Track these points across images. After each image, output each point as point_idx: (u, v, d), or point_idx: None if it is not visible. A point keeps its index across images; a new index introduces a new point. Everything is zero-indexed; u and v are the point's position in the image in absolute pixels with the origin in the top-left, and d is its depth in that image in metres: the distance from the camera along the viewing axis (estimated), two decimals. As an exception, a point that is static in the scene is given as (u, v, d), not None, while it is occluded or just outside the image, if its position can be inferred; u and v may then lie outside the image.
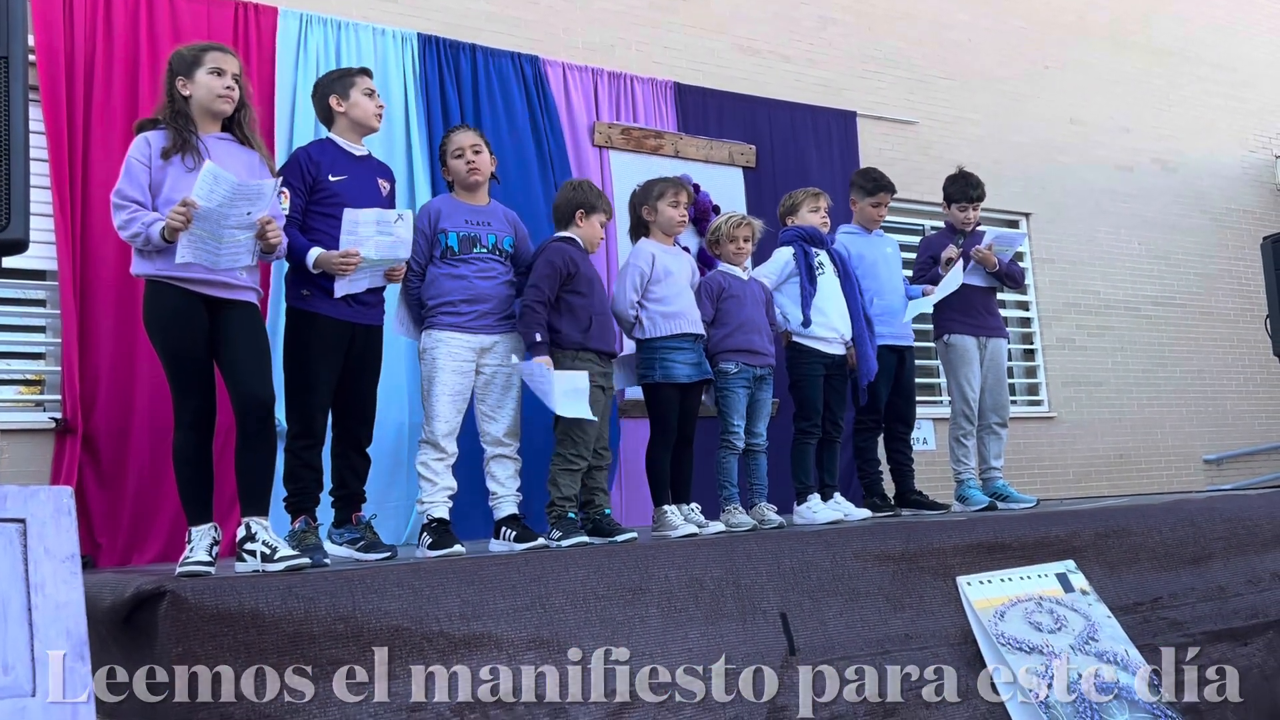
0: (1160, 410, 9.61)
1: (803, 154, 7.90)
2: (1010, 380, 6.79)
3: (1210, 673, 3.80)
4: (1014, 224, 9.16)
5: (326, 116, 3.86)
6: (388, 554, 3.73)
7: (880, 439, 5.03)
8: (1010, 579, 3.55)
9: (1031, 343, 9.03)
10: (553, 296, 3.82)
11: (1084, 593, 3.63)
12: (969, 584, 3.46)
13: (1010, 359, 7.87)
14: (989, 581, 3.50)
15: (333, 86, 3.82)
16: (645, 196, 4.21)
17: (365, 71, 3.88)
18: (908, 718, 3.00)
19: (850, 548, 3.27)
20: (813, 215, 4.60)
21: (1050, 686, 3.24)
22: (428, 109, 6.43)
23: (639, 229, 4.26)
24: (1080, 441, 9.04)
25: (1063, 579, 3.64)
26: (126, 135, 5.59)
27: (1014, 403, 8.18)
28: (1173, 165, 10.20)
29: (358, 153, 3.83)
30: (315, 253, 3.56)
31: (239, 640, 2.35)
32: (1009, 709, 3.20)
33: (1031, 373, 9.05)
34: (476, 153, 3.86)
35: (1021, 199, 9.09)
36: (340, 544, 3.76)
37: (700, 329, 4.13)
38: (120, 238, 3.36)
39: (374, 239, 3.58)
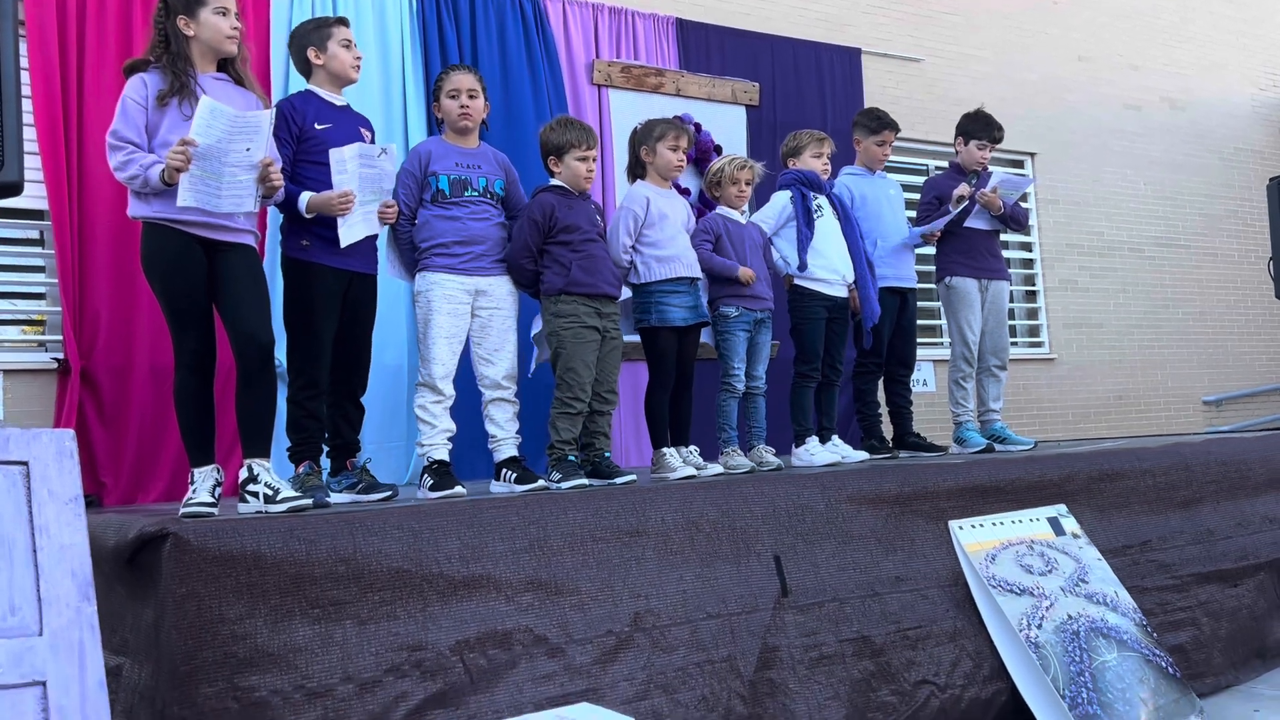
0: (1161, 352, 9.62)
1: (806, 92, 7.81)
2: (1011, 322, 6.80)
3: (1198, 613, 3.87)
4: (1019, 164, 9.09)
5: (304, 68, 3.82)
6: (388, 493, 3.78)
7: (880, 381, 5.05)
8: (1001, 523, 3.59)
9: (1033, 284, 9.01)
10: (536, 249, 3.82)
11: (1075, 536, 3.67)
12: (960, 528, 3.50)
13: (1011, 301, 7.87)
14: (980, 525, 3.54)
15: (309, 38, 3.77)
16: (644, 137, 4.17)
17: (342, 21, 3.83)
18: (895, 659, 3.06)
19: (845, 491, 3.31)
20: (815, 160, 4.57)
21: (1040, 627, 3.30)
22: (424, 44, 6.36)
23: (636, 169, 4.23)
24: (1080, 383, 9.07)
25: (1054, 523, 3.69)
26: (120, 70, 5.55)
27: (1014, 344, 8.21)
28: (1181, 104, 10.08)
29: (338, 103, 3.81)
30: (306, 196, 3.56)
31: (241, 581, 2.39)
32: (999, 649, 3.27)
33: (1033, 314, 9.05)
34: (472, 97, 3.83)
35: (1027, 138, 9.00)
36: (340, 490, 3.80)
37: (696, 272, 4.13)
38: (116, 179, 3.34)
39: (360, 173, 3.58)
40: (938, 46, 8.63)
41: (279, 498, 3.20)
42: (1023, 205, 5.47)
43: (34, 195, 5.27)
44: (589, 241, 3.86)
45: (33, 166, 5.20)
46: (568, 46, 6.91)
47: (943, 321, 5.71)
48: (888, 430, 5.17)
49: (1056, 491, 3.76)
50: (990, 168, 5.50)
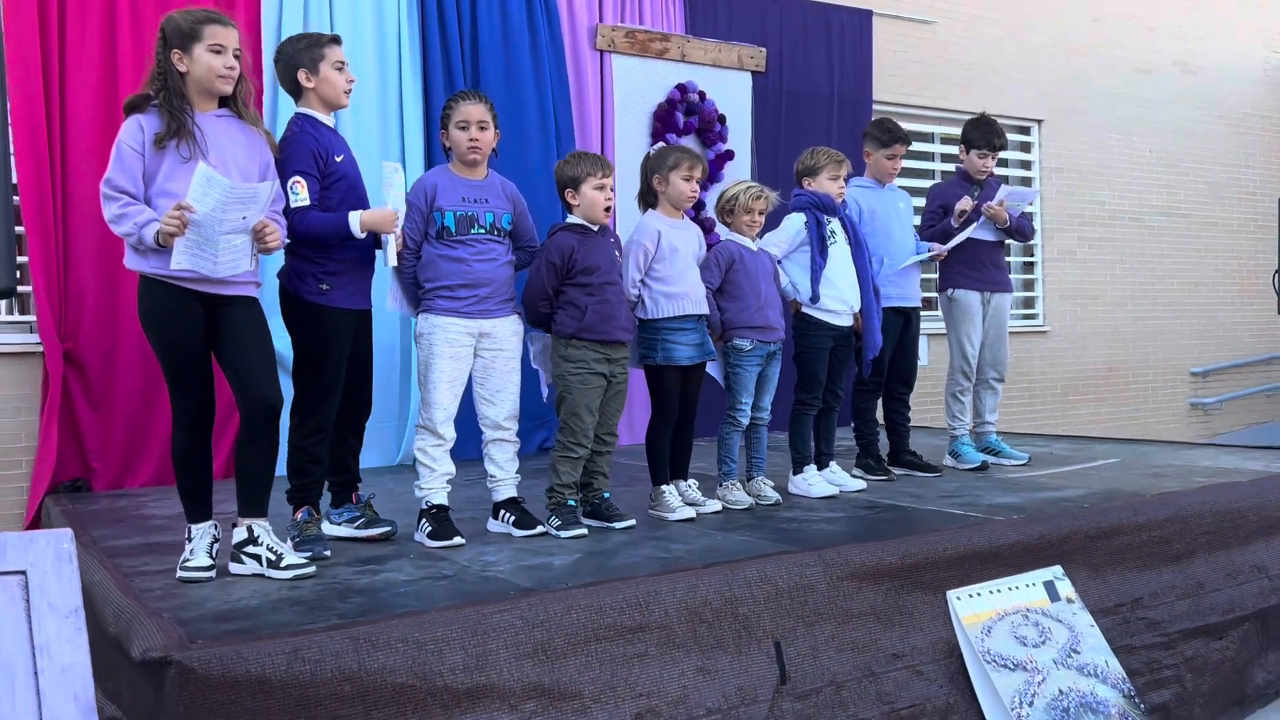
0: (1153, 323, 9.62)
1: (814, 57, 7.59)
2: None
3: (1183, 670, 3.93)
4: (1025, 130, 8.91)
5: (293, 89, 3.63)
6: (387, 529, 3.77)
7: (879, 399, 5.02)
8: (999, 590, 3.60)
9: (1031, 255, 8.93)
10: (553, 291, 3.75)
11: (1069, 601, 3.70)
12: (958, 599, 3.51)
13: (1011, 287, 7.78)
14: (977, 595, 3.56)
15: (299, 58, 3.57)
16: (658, 165, 4.03)
17: (335, 40, 3.64)
18: (892, 750, 3.10)
19: (847, 567, 3.31)
20: (831, 184, 4.43)
21: (1031, 705, 3.34)
22: (421, 6, 6.09)
23: (648, 197, 4.10)
24: (1071, 355, 9.07)
25: (1049, 587, 3.70)
26: (106, 43, 5.32)
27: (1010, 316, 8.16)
28: (1194, 67, 9.86)
29: (332, 125, 3.66)
30: (357, 216, 3.46)
31: (246, 707, 2.38)
32: (989, 726, 3.31)
33: (1029, 285, 8.99)
34: (482, 129, 3.67)
35: (1034, 105, 8.82)
36: (339, 523, 3.79)
37: (704, 308, 4.04)
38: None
39: (390, 192, 3.54)
40: (950, 8, 8.36)
41: (283, 564, 3.17)
42: (1029, 220, 5.36)
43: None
44: (607, 284, 3.77)
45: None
46: (570, 9, 6.65)
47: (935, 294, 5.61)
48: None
49: (1054, 552, 3.78)
50: (997, 178, 5.39)
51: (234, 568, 3.23)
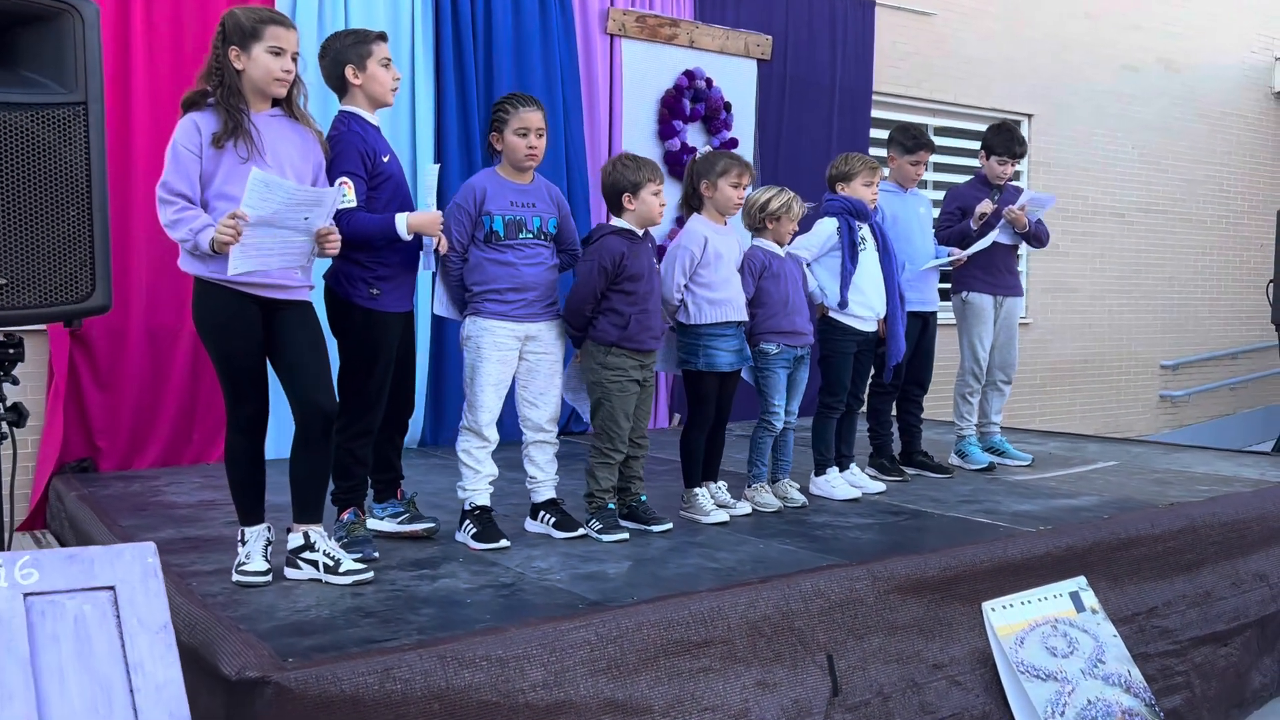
0: (1130, 316, 9.85)
1: (818, 46, 7.60)
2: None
3: (1192, 676, 4.10)
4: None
5: (339, 85, 3.58)
6: (431, 524, 3.79)
7: (894, 400, 5.10)
8: (1029, 601, 3.72)
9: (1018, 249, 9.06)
10: (600, 295, 3.76)
11: (1094, 611, 3.83)
12: (993, 610, 3.62)
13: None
14: (1010, 606, 3.67)
15: (347, 54, 3.52)
16: (706, 171, 4.04)
17: (382, 36, 3.59)
18: (939, 760, 3.21)
19: (894, 580, 3.40)
20: (865, 190, 4.48)
21: (1063, 715, 3.47)
22: (434, -16, 6.01)
23: (692, 201, 4.11)
24: (1050, 347, 9.26)
25: (1075, 598, 3.83)
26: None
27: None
28: (1177, 66, 10.04)
29: (375, 123, 3.62)
30: (404, 218, 3.44)
31: (340, 727, 2.40)
32: (1022, 734, 3.44)
33: (1014, 277, 9.13)
34: (540, 136, 3.66)
35: (1026, 99, 8.93)
36: (382, 518, 3.80)
37: (744, 315, 4.08)
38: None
39: (430, 195, 3.53)
40: (950, 1, 8.41)
41: (341, 569, 3.18)
42: (1045, 225, 5.46)
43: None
44: (649, 293, 3.80)
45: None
46: (582, -10, 6.59)
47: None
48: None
49: (1079, 563, 3.90)
50: (1019, 184, 5.48)
51: (290, 573, 3.23)
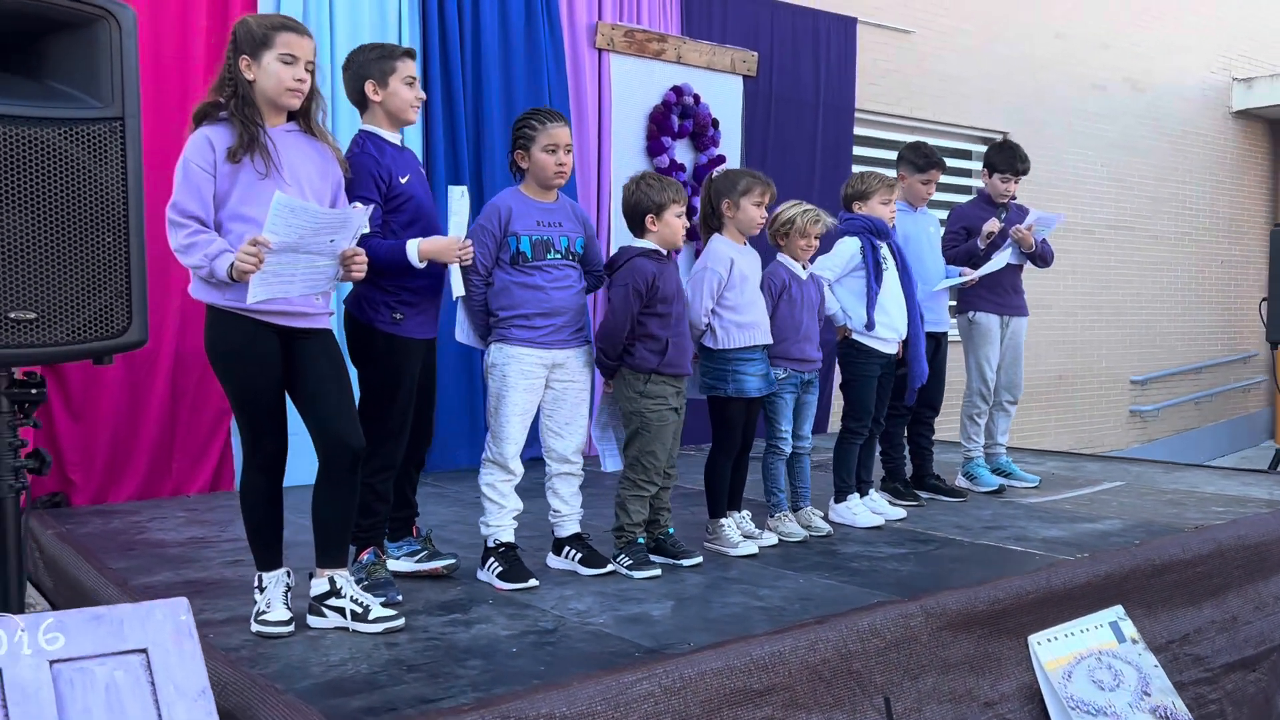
0: (1099, 333, 9.92)
1: (802, 63, 7.53)
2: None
3: (1225, 704, 4.03)
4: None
5: (359, 100, 3.40)
6: (451, 561, 3.59)
7: (906, 423, 5.00)
8: (1073, 633, 3.62)
9: (994, 265, 9.08)
10: (635, 321, 3.60)
11: (1134, 641, 3.74)
12: (1039, 644, 3.51)
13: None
14: (1055, 639, 3.56)
15: (369, 69, 3.34)
16: (727, 190, 3.90)
17: (409, 53, 3.41)
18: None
19: (945, 616, 3.27)
20: (883, 208, 4.37)
21: (1114, 751, 3.37)
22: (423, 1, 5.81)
23: (712, 221, 3.97)
24: (1027, 363, 9.23)
25: (1115, 628, 3.74)
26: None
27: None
28: (1142, 85, 10.16)
29: (398, 142, 3.43)
30: (415, 244, 3.24)
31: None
32: (1074, 771, 3.33)
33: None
34: (568, 152, 3.50)
35: (1001, 117, 8.96)
36: (398, 557, 3.58)
37: (769, 338, 3.95)
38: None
39: (454, 219, 3.32)
40: (928, 18, 8.41)
41: (371, 617, 2.97)
42: (1049, 244, 5.42)
43: None
44: (681, 315, 3.65)
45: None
46: (570, 6, 6.44)
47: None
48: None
49: (1115, 592, 3.81)
50: (1023, 203, 5.44)
51: (314, 621, 3.01)
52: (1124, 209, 10.06)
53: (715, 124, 7.02)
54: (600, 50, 6.57)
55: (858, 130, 7.87)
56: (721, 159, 7.01)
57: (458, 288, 3.38)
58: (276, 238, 2.74)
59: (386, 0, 5.72)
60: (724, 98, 7.11)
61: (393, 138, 3.42)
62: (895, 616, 3.18)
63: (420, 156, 5.81)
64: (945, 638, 3.27)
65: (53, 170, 1.96)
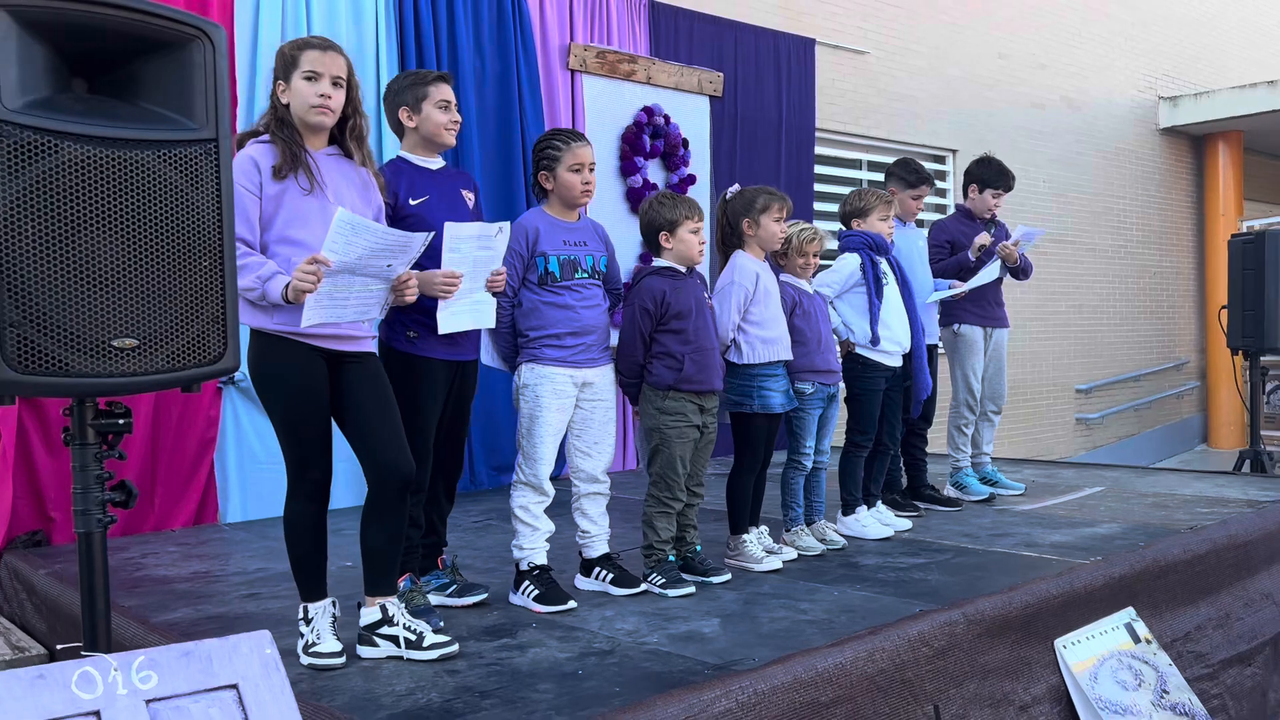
0: (1045, 344, 10.20)
1: (765, 83, 7.65)
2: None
3: (1226, 699, 4.17)
4: (940, 159, 9.28)
5: (397, 128, 3.40)
6: (482, 595, 3.53)
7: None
8: (1094, 635, 3.71)
9: (947, 279, 9.30)
10: (648, 338, 3.61)
11: (1148, 641, 3.85)
12: (1065, 647, 3.60)
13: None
14: (1079, 642, 3.66)
15: (403, 96, 3.34)
16: (746, 209, 3.93)
17: (443, 78, 3.39)
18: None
19: (984, 621, 3.33)
20: (882, 224, 4.46)
21: (1143, 748, 3.46)
22: (399, 19, 5.77)
23: (732, 239, 4.00)
24: (980, 375, 9.48)
25: (1129, 629, 3.85)
26: None
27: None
28: (1078, 104, 10.53)
29: (433, 167, 3.41)
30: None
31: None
32: (1106, 769, 3.41)
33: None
34: (592, 171, 3.51)
35: (950, 135, 9.19)
36: (428, 592, 3.51)
37: (790, 354, 3.99)
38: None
39: (474, 254, 3.24)
40: (881, 39, 8.61)
41: (425, 644, 2.91)
42: (1030, 258, 5.57)
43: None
44: (702, 330, 3.66)
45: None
46: (543, 28, 6.45)
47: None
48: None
49: (1126, 594, 3.92)
50: (1002, 219, 5.59)
51: (365, 651, 2.95)
52: (1065, 223, 10.39)
53: (685, 144, 7.08)
54: (573, 71, 6.59)
55: (817, 149, 8.00)
56: (692, 179, 7.07)
57: (443, 324, 3.19)
58: (336, 257, 2.69)
59: (363, 24, 5.68)
60: (692, 118, 7.18)
61: (426, 162, 3.40)
62: (940, 624, 3.23)
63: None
64: (983, 644, 3.33)
65: (150, 193, 1.91)
